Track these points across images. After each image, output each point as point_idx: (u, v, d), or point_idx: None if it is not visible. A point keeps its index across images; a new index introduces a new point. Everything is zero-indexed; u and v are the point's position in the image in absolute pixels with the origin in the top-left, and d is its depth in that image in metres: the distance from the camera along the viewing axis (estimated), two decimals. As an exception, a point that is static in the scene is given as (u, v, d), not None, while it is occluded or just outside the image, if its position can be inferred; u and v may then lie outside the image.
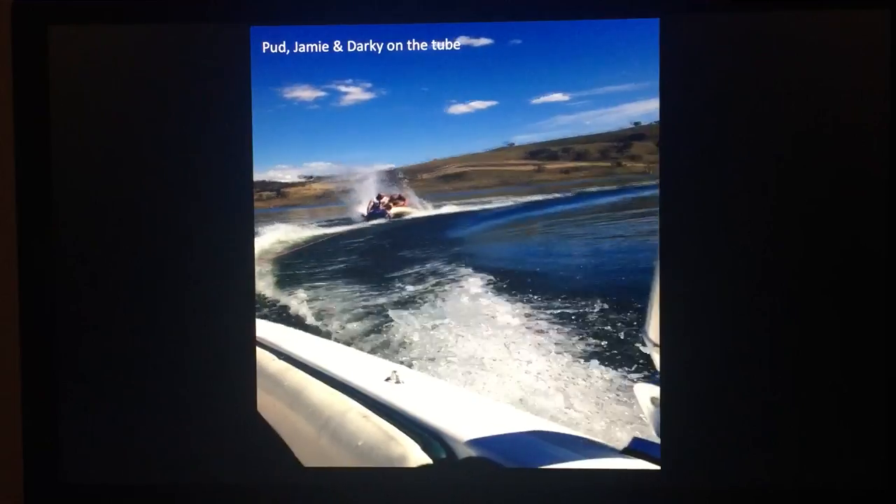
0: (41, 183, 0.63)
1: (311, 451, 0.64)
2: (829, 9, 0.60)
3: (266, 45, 0.63)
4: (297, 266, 0.68)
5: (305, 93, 0.64)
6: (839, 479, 0.61)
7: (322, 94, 0.64)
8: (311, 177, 0.66)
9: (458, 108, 0.63)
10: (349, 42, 0.63)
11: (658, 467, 0.62)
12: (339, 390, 0.65)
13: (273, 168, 0.65)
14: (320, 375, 0.66)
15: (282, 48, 0.63)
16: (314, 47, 0.63)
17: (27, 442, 0.65)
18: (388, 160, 0.65)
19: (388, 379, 0.65)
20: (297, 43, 0.63)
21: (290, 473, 0.64)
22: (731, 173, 0.61)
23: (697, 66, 0.61)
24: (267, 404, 0.65)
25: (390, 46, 0.63)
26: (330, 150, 0.65)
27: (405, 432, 0.63)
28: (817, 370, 0.61)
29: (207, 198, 0.64)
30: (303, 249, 0.68)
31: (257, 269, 0.64)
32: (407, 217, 0.69)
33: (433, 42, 0.63)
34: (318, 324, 0.67)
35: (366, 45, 0.63)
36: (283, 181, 0.66)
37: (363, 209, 0.69)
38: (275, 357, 0.66)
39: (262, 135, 0.64)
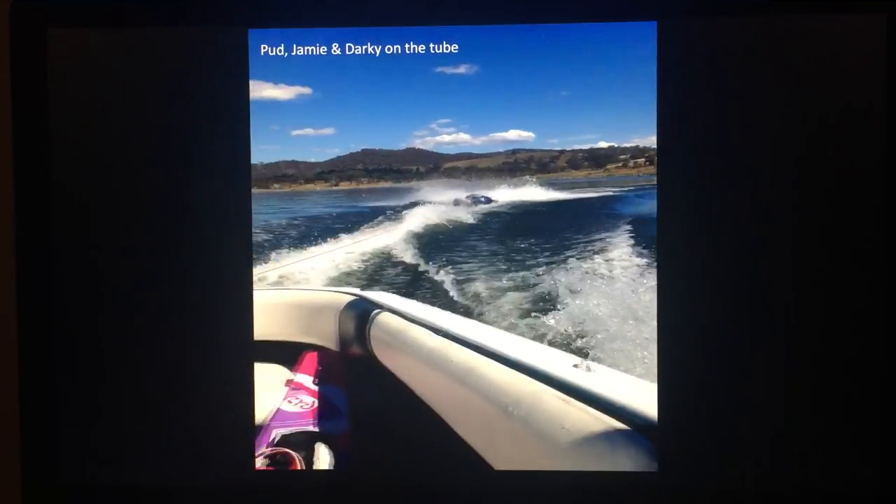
0: (40, 185, 0.63)
1: (496, 430, 0.61)
2: (826, 12, 0.60)
3: (264, 48, 0.64)
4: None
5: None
6: (838, 482, 0.61)
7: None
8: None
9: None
10: (347, 45, 0.64)
11: (656, 469, 0.62)
12: (521, 372, 0.62)
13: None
14: (492, 357, 0.64)
15: (280, 51, 0.64)
16: (312, 50, 0.64)
17: (25, 443, 0.65)
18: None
19: (576, 366, 0.62)
20: (295, 45, 0.64)
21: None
22: (730, 176, 0.61)
23: (695, 69, 0.61)
24: (426, 380, 0.63)
25: (388, 49, 0.63)
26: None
27: (620, 421, 0.59)
28: (816, 371, 0.61)
29: (206, 199, 0.64)
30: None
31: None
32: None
33: (431, 45, 0.63)
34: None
35: (364, 48, 0.64)
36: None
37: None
38: (432, 333, 0.65)
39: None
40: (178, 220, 0.64)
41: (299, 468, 0.63)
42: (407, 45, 0.63)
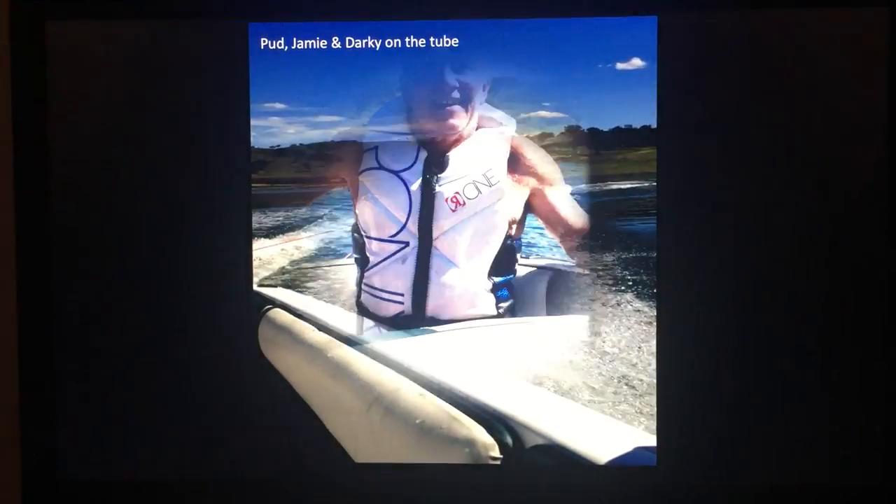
0: (39, 178, 0.63)
1: (358, 425, 0.64)
2: (828, 7, 0.60)
3: (264, 42, 0.63)
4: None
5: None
6: (835, 477, 0.62)
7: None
8: None
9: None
10: (347, 38, 0.63)
11: (655, 464, 0.62)
12: (390, 367, 0.65)
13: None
14: (366, 352, 0.66)
15: (280, 44, 0.63)
16: (312, 43, 0.64)
17: (25, 438, 0.64)
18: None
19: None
20: (295, 39, 0.63)
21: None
22: (728, 172, 0.61)
23: (695, 63, 0.61)
24: (305, 375, 0.65)
25: (388, 43, 0.63)
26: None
27: (466, 413, 0.62)
28: (813, 368, 0.61)
29: (205, 192, 0.64)
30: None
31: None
32: None
33: (431, 39, 0.63)
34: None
35: (364, 41, 0.63)
36: None
37: None
38: (315, 329, 0.67)
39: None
40: (179, 213, 0.64)
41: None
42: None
